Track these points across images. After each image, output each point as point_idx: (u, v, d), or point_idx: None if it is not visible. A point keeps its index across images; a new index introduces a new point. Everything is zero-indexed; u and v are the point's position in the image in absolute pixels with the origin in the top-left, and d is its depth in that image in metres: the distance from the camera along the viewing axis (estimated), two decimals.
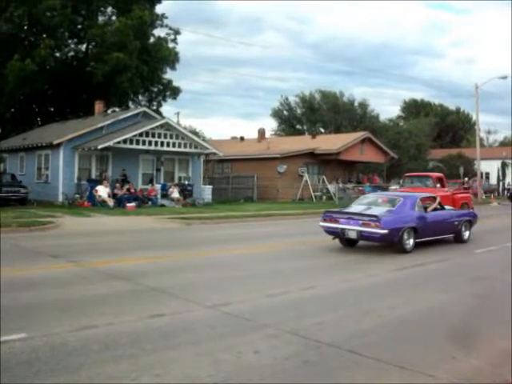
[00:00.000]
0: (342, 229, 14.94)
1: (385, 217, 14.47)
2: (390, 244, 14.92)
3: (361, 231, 14.51)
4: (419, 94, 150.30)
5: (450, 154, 68.61)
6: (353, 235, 14.88)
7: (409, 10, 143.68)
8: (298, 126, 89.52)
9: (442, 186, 26.26)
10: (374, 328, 7.27)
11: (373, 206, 15.84)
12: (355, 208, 16.11)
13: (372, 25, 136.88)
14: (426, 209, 16.07)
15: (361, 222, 14.50)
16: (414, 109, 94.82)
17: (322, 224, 15.73)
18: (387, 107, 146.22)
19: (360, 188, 46.29)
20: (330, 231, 15.62)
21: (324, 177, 44.15)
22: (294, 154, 44.33)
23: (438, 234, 16.49)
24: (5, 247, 14.42)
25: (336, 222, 15.17)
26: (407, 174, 29.28)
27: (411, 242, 14.92)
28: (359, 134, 51.00)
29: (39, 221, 20.08)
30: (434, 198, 17.07)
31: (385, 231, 14.06)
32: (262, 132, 56.91)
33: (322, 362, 5.90)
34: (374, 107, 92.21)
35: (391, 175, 59.20)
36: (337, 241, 15.94)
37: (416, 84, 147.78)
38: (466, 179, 50.73)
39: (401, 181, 28.94)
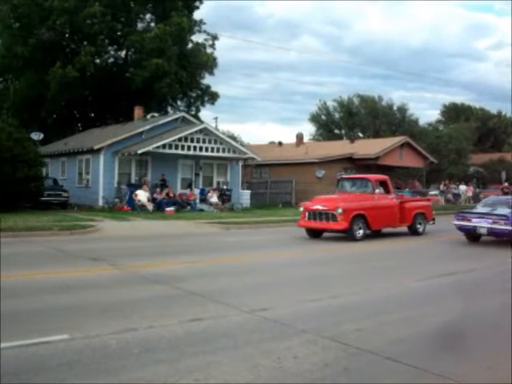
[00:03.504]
0: (474, 226, 17.93)
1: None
2: None
3: (491, 228, 17.48)
4: (459, 98, 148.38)
5: (492, 158, 67.35)
6: (483, 231, 17.81)
7: (448, 12, 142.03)
8: (336, 131, 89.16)
9: (387, 191, 20.98)
10: (413, 335, 7.17)
11: (496, 207, 18.68)
12: (482, 209, 19.17)
13: (411, 28, 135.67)
14: None
15: (491, 220, 17.51)
16: (453, 113, 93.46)
17: (455, 222, 18.64)
18: (426, 111, 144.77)
19: (399, 193, 45.81)
20: (462, 228, 18.61)
21: None
22: (332, 159, 44.14)
23: None
24: (46, 250, 14.71)
25: (468, 220, 18.17)
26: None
27: None
28: (398, 139, 50.54)
29: (80, 224, 20.39)
30: None
31: None
32: (300, 137, 56.87)
33: (361, 369, 5.83)
34: (413, 111, 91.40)
35: (431, 180, 58.48)
36: (376, 245, 17.36)
37: (456, 87, 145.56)
38: (506, 184, 49.76)
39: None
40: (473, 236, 18.64)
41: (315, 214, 19.44)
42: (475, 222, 17.90)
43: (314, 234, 19.86)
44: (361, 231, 18.97)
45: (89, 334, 6.68)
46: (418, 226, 21.30)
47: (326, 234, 19.85)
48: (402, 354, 6.22)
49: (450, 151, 61.88)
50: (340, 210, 18.53)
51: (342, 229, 18.71)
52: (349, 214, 18.55)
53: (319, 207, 19.39)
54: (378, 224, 19.97)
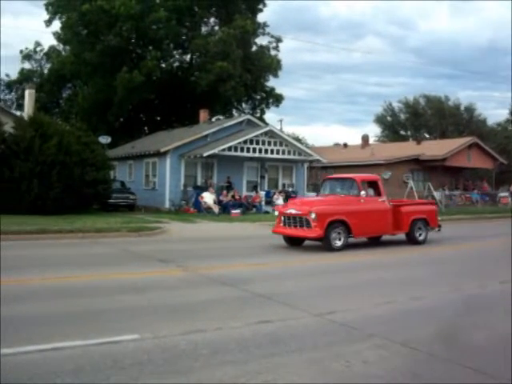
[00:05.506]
0: None
1: None
2: None
3: None
4: None
5: None
6: None
7: None
8: (402, 132, 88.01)
9: (378, 193, 18.08)
10: (487, 342, 6.94)
11: None
12: None
13: (478, 26, 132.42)
14: None
15: None
16: None
17: None
18: (495, 111, 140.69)
19: (467, 195, 44.90)
20: None
21: (430, 184, 43.05)
22: (398, 161, 43.62)
23: None
24: (115, 251, 15.03)
25: None
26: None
27: None
28: (466, 140, 49.50)
29: (147, 226, 20.71)
30: None
31: None
32: (365, 138, 56.44)
33: (432, 376, 5.69)
34: (481, 111, 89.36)
35: (500, 182, 56.98)
36: (440, 250, 17.02)
37: None
38: None
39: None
40: None
41: (289, 219, 16.88)
42: None
43: (292, 241, 17.24)
44: (340, 240, 16.07)
45: (158, 334, 6.76)
46: (418, 233, 18.22)
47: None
48: (477, 362, 6.03)
49: None
50: (313, 216, 15.89)
51: (316, 236, 16.05)
52: (324, 220, 15.82)
53: (292, 211, 16.85)
54: (364, 231, 17.16)
